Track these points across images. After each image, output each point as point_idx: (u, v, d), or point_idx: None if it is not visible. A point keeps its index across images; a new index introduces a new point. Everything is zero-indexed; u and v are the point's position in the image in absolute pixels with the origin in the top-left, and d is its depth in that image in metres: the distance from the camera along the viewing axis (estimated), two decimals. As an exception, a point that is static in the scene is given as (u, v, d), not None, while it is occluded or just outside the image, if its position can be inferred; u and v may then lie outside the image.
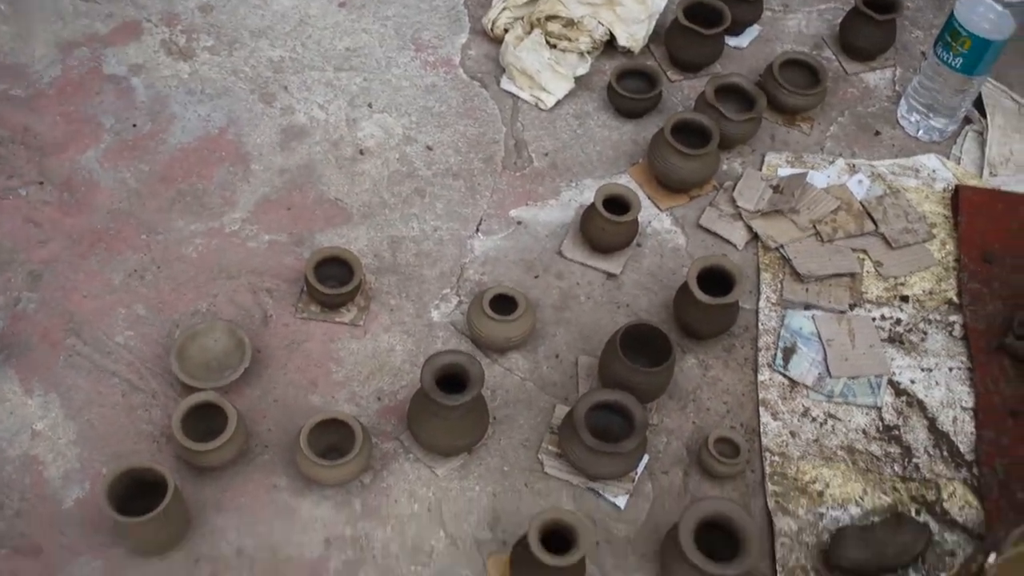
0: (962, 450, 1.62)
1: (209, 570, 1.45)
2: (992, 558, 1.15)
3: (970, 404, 1.67)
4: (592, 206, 1.74)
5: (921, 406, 1.67)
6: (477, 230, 1.84)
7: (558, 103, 2.04)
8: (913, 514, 1.54)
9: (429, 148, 1.95)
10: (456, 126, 1.99)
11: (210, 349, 1.63)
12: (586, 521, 1.43)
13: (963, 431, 1.64)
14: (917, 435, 1.64)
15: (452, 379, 1.48)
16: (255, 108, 1.99)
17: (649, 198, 1.90)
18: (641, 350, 1.58)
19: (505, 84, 2.06)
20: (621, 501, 1.54)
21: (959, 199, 1.91)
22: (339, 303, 1.69)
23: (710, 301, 1.61)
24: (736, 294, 1.61)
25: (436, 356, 1.48)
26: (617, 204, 1.76)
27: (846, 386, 1.67)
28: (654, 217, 1.88)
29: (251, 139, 1.94)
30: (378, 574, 1.47)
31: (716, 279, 1.65)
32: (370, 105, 2.01)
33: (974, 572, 1.16)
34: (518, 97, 2.04)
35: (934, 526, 1.54)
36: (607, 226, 1.74)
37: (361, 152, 1.94)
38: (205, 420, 1.50)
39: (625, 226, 1.75)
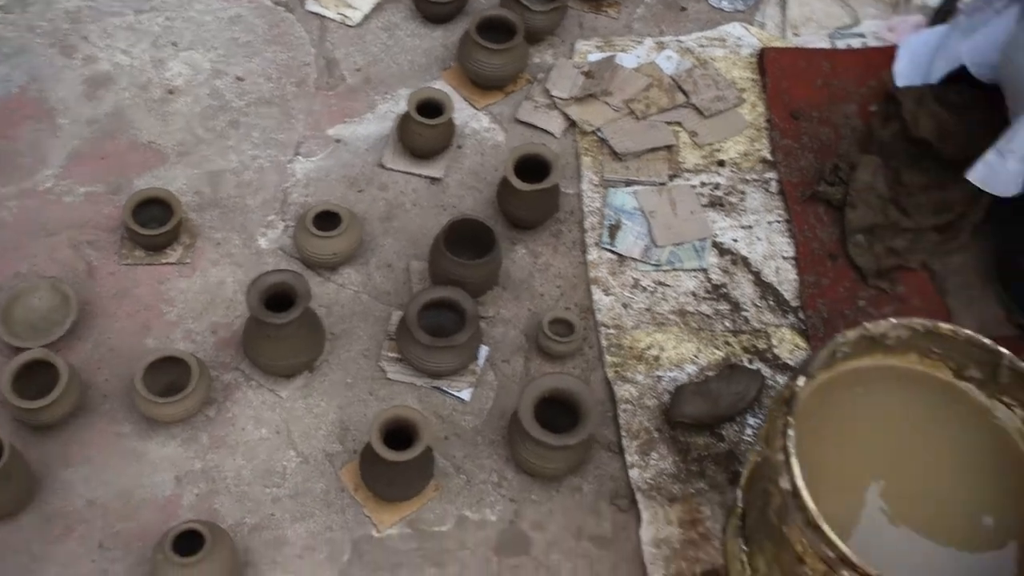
0: (787, 297, 1.68)
1: (62, 525, 1.44)
2: (801, 380, 1.20)
3: (791, 253, 1.73)
4: (407, 113, 1.74)
5: (745, 262, 1.72)
6: (296, 154, 1.83)
7: (365, 18, 2.03)
8: (746, 363, 1.60)
9: (240, 79, 1.93)
10: (264, 53, 1.97)
11: (35, 308, 1.60)
12: (426, 416, 1.45)
13: (786, 279, 1.70)
14: (744, 290, 1.69)
15: (280, 298, 1.48)
16: (56, 62, 1.94)
17: (465, 99, 1.91)
18: (469, 246, 1.60)
19: (310, 5, 2.04)
20: (466, 394, 1.56)
21: (764, 61, 1.96)
22: (162, 244, 1.67)
23: (528, 188, 1.64)
24: (553, 179, 1.64)
25: (260, 278, 1.48)
26: (431, 108, 1.76)
27: (672, 253, 1.71)
28: (472, 117, 1.89)
29: (55, 93, 1.89)
30: (233, 501, 1.47)
31: (534, 167, 1.67)
32: (175, 44, 1.98)
33: (787, 397, 1.21)
34: (324, 16, 2.03)
35: (767, 371, 1.60)
36: (423, 131, 1.75)
37: (170, 92, 1.91)
38: (38, 379, 1.48)
39: (441, 128, 1.75)
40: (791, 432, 1.17)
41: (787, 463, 1.15)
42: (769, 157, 1.85)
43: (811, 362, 1.22)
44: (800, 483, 1.14)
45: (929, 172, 1.74)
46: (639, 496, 1.49)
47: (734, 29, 2.04)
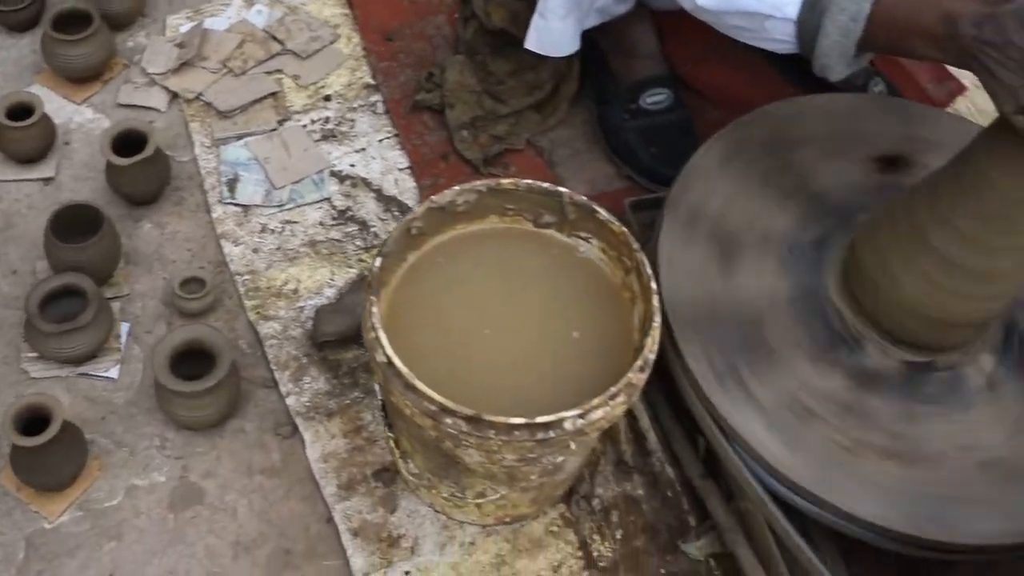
0: (410, 204, 1.76)
1: None
2: (378, 261, 1.27)
3: (406, 164, 1.81)
4: None
5: (365, 182, 1.79)
6: (-101, 190, 1.79)
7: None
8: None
9: None
10: None
11: None
12: (56, 399, 1.45)
13: (406, 188, 1.78)
14: (368, 208, 1.76)
15: None
16: None
17: (64, 97, 1.90)
18: (85, 231, 1.61)
19: None
20: (113, 372, 1.58)
21: (349, -5, 2.03)
22: None
23: (127, 162, 1.65)
24: (150, 149, 1.66)
25: None
26: (22, 111, 1.75)
27: (293, 192, 1.76)
28: (75, 112, 1.89)
29: None
30: None
31: (136, 143, 1.68)
32: None
33: (369, 281, 1.28)
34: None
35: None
36: (16, 135, 1.74)
37: None
38: None
39: (35, 129, 1.75)
40: (374, 310, 1.24)
41: (378, 339, 1.22)
42: (372, 82, 1.92)
43: (385, 243, 1.30)
44: (390, 352, 1.21)
45: (513, 58, 1.84)
46: (299, 420, 1.54)
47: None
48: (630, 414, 1.56)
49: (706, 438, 1.38)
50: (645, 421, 1.55)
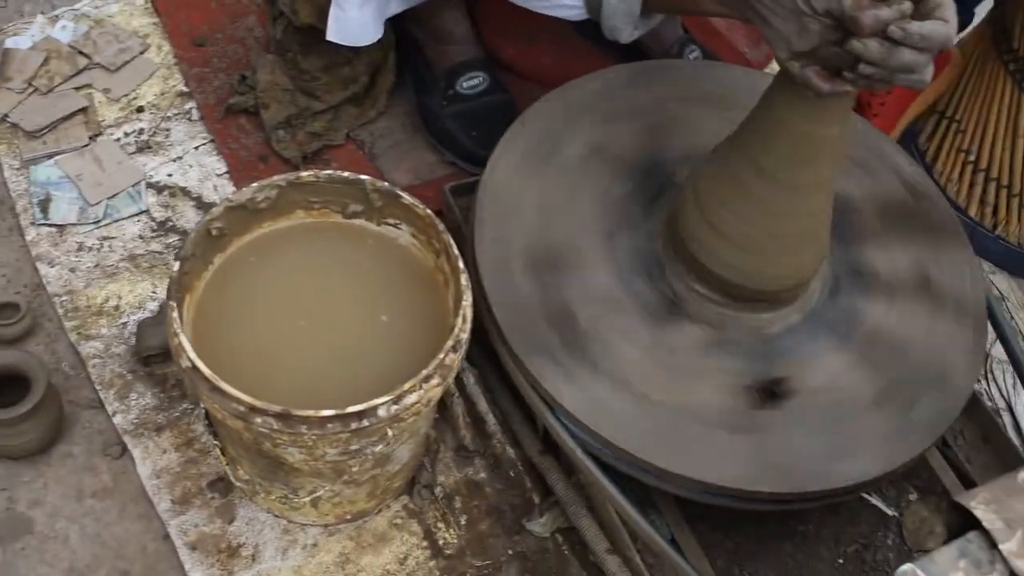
0: (231, 210, 1.71)
1: None
2: (176, 265, 1.24)
3: (224, 169, 1.78)
4: None
5: (184, 191, 1.76)
6: None
7: None
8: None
9: None
10: None
11: None
12: None
13: (226, 193, 1.74)
14: (188, 217, 1.73)
15: None
16: None
17: None
18: None
19: None
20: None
21: (156, 2, 1.98)
22: None
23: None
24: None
25: None
26: None
27: (109, 207, 1.72)
28: None
29: None
30: None
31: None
32: None
33: (168, 286, 1.25)
34: None
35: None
36: None
37: None
38: None
39: None
40: (175, 315, 1.21)
41: (180, 344, 1.19)
42: (185, 89, 1.88)
43: (183, 246, 1.27)
44: (193, 356, 1.18)
45: (326, 54, 1.82)
46: (128, 439, 1.51)
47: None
48: (468, 399, 1.55)
49: (534, 410, 1.37)
50: (483, 404, 1.55)
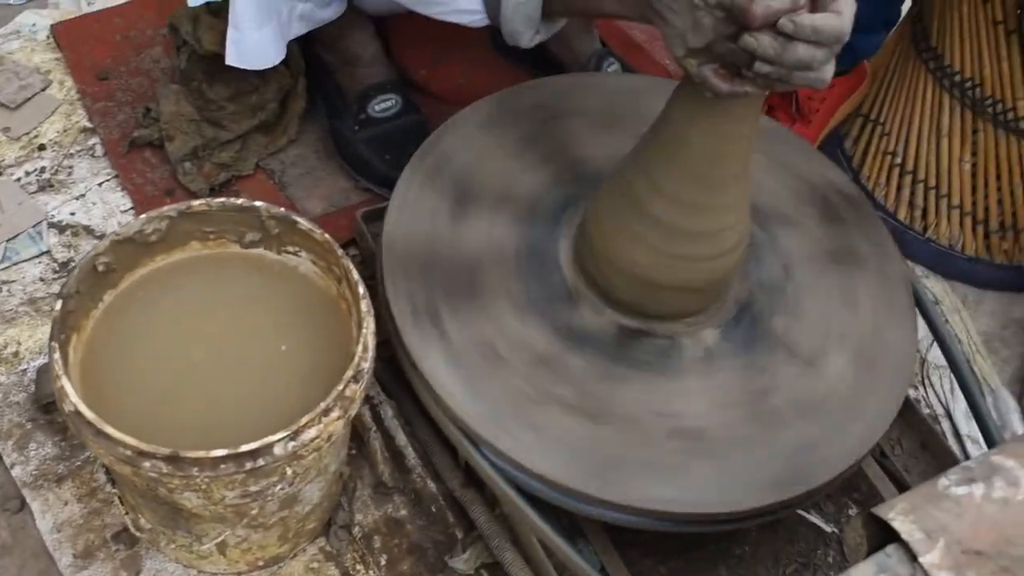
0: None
1: None
2: (59, 304, 1.18)
3: (128, 205, 1.71)
4: None
5: (87, 230, 1.70)
6: None
7: None
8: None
9: None
10: None
11: None
12: None
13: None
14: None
15: None
16: None
17: None
18: None
19: None
20: None
21: (58, 37, 1.92)
22: None
23: None
24: None
25: None
26: None
27: (8, 249, 1.65)
28: None
29: None
30: None
31: None
32: None
33: (52, 326, 1.18)
34: None
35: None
36: None
37: None
38: None
39: None
40: (57, 357, 1.14)
41: (63, 388, 1.12)
42: (88, 125, 1.82)
43: (66, 284, 1.20)
44: (75, 400, 1.12)
45: (233, 82, 1.76)
46: (27, 492, 1.43)
47: (26, 18, 1.99)
48: (385, 432, 1.49)
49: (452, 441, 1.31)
50: (402, 437, 1.48)
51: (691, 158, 1.20)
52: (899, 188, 1.86)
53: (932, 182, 1.81)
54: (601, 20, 1.98)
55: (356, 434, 1.46)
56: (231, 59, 1.59)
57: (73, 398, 1.11)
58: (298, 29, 1.61)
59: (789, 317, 1.39)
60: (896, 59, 1.85)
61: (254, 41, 1.57)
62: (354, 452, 1.46)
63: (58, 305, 1.17)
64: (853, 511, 1.47)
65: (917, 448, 1.52)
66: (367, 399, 1.46)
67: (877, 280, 1.45)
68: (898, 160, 1.84)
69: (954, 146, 1.77)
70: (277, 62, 1.62)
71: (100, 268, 1.23)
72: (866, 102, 1.92)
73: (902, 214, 1.87)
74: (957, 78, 1.72)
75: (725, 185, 1.23)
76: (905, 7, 1.88)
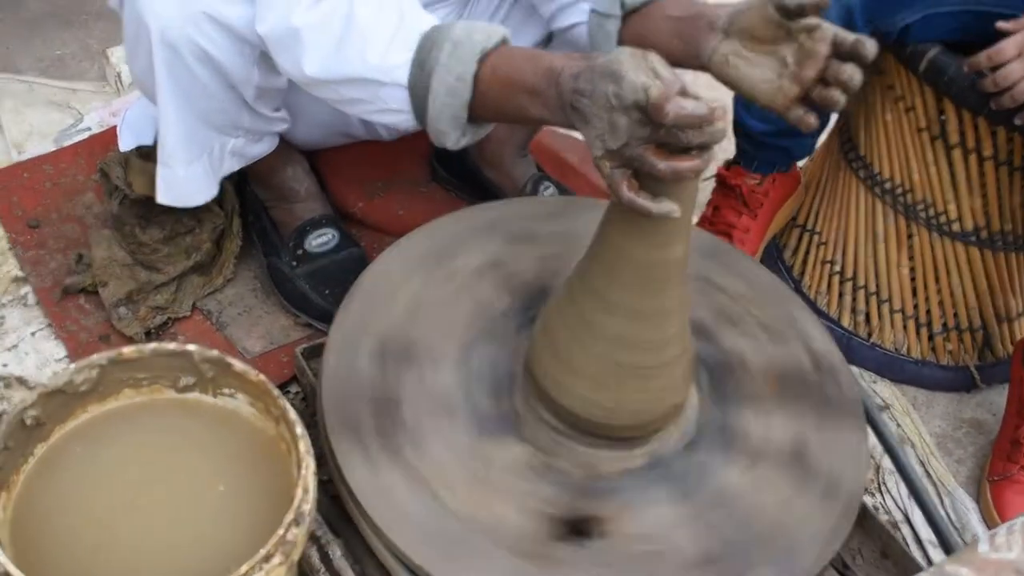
0: (70, 396, 1.60)
1: None
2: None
3: (63, 353, 1.67)
4: None
5: (20, 381, 1.66)
6: None
7: None
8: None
9: None
10: None
11: None
12: None
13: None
14: (24, 408, 1.60)
15: None
16: None
17: None
18: None
19: None
20: None
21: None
22: None
23: None
24: None
25: None
26: None
27: (-63, 406, 1.59)
28: None
29: None
30: None
31: None
32: None
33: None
34: None
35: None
36: None
37: None
38: None
39: None
40: (-20, 517, 1.09)
41: (-11, 548, 1.07)
42: (20, 274, 1.79)
43: (-9, 440, 1.15)
44: (4, 560, 1.07)
45: (167, 224, 1.74)
46: (-42, 661, 1.35)
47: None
48: (334, 574, 1.44)
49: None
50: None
51: (627, 265, 1.20)
52: (840, 295, 1.87)
53: (872, 288, 1.82)
54: (535, 146, 1.99)
55: (303, 577, 1.41)
56: (161, 197, 1.58)
57: (2, 558, 1.06)
58: (231, 165, 1.60)
59: (724, 463, 1.38)
60: (827, 169, 1.88)
61: (183, 178, 1.56)
62: (303, 597, 1.40)
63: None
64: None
65: (878, 557, 1.49)
66: (314, 539, 1.41)
67: (831, 451, 1.43)
68: (837, 268, 1.85)
69: (891, 251, 1.78)
70: (210, 199, 1.61)
71: (29, 422, 1.20)
72: (801, 212, 1.94)
73: (845, 321, 1.87)
74: (888, 185, 1.74)
75: (666, 289, 1.22)
76: (832, 119, 1.91)
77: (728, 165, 1.95)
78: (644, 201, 1.10)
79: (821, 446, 1.40)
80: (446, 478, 1.29)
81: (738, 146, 1.90)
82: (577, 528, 1.28)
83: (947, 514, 1.68)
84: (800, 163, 1.99)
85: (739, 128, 1.86)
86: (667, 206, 1.11)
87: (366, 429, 1.31)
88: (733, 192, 1.91)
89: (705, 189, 1.96)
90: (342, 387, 1.35)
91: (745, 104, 1.81)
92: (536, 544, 1.25)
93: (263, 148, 1.63)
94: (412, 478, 1.28)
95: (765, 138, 1.82)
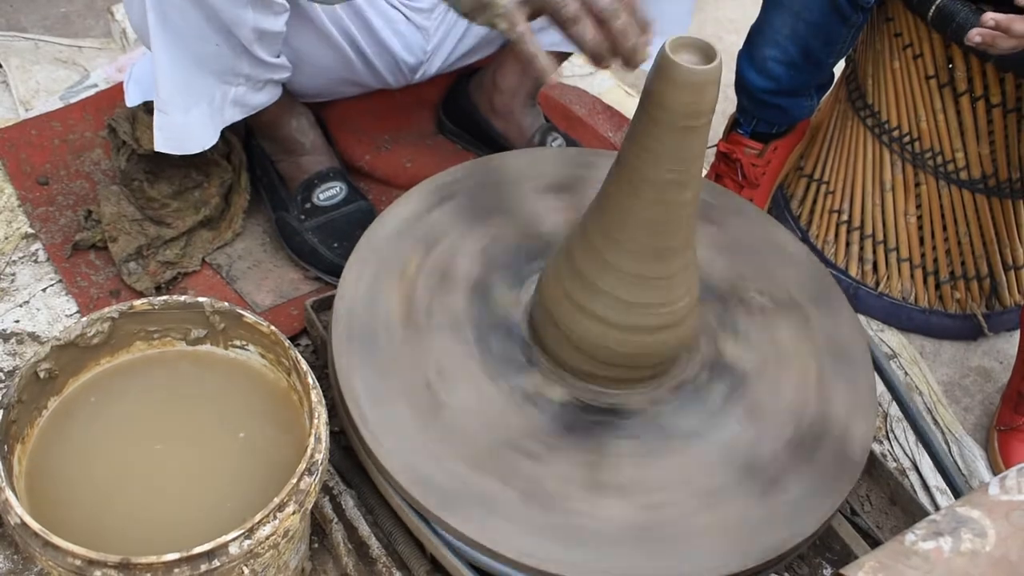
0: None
1: None
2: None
3: (74, 309, 1.68)
4: None
5: (32, 336, 1.66)
6: None
7: None
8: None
9: None
10: None
11: None
12: None
13: (77, 335, 1.64)
14: (37, 363, 1.61)
15: None
16: None
17: None
18: None
19: None
20: None
21: (-5, 145, 1.90)
22: None
23: None
24: None
25: None
26: None
27: (-50, 362, 1.60)
28: None
29: None
30: None
31: None
32: None
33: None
34: None
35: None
36: None
37: None
38: None
39: None
40: (0, 468, 1.10)
41: (7, 500, 1.09)
42: (30, 230, 1.79)
43: (6, 393, 1.17)
44: (20, 512, 1.08)
45: (175, 179, 1.75)
46: (-22, 611, 1.37)
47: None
48: (348, 524, 1.46)
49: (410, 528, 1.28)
50: (364, 528, 1.45)
51: (635, 229, 1.20)
52: (848, 244, 1.87)
53: (880, 237, 1.82)
54: (542, 98, 1.99)
55: (318, 527, 1.43)
56: (159, 145, 1.57)
57: (18, 510, 1.08)
58: (232, 115, 1.60)
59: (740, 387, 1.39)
60: (835, 118, 1.87)
61: (181, 124, 1.55)
62: (316, 546, 1.42)
63: (-1, 415, 1.14)
64: (828, 572, 1.45)
65: (887, 504, 1.50)
66: (327, 490, 1.43)
67: (830, 337, 1.45)
68: (844, 217, 1.85)
69: (898, 200, 1.78)
70: (208, 146, 1.60)
71: (42, 375, 1.21)
72: (808, 162, 1.94)
73: (853, 270, 1.87)
74: (895, 133, 1.74)
75: (671, 255, 1.22)
76: (839, 67, 1.90)
77: (727, 133, 1.94)
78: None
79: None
80: (461, 426, 1.29)
81: (739, 105, 1.89)
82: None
83: (955, 461, 1.69)
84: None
85: (740, 85, 1.85)
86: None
87: (379, 381, 1.32)
88: (734, 166, 1.91)
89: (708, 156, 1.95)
90: (354, 338, 1.35)
91: (749, 58, 1.80)
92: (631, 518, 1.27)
93: (265, 97, 1.62)
94: (423, 429, 1.29)
95: (765, 95, 1.81)
